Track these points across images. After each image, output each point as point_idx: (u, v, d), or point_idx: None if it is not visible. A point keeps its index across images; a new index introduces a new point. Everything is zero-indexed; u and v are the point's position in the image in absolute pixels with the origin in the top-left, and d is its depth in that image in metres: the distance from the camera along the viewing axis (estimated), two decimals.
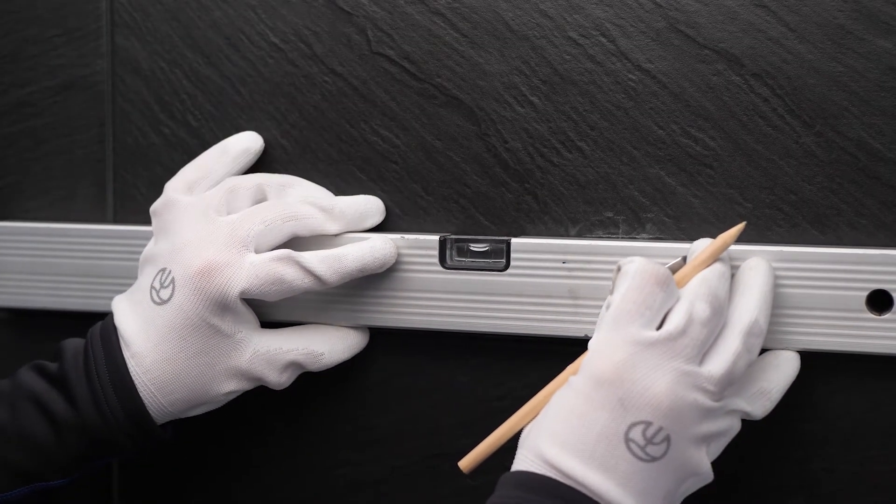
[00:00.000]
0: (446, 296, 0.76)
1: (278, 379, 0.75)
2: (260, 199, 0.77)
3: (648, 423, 0.61)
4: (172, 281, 0.72)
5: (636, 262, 0.65)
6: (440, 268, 0.76)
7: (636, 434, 0.61)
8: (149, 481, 0.87)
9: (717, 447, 0.65)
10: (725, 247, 0.67)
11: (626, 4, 0.73)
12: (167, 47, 0.83)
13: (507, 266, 0.74)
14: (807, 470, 0.72)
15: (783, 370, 0.69)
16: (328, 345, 0.77)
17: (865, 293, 0.68)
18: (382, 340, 0.79)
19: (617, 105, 0.74)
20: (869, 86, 0.69)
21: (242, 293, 0.72)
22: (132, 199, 0.85)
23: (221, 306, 0.72)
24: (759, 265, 0.68)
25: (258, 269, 0.72)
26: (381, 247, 0.75)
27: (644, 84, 0.73)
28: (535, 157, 0.76)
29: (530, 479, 0.62)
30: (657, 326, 0.64)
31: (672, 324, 0.63)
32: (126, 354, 0.73)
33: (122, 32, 0.84)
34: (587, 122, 0.74)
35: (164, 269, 0.73)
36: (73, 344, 0.75)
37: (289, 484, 0.83)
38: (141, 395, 0.72)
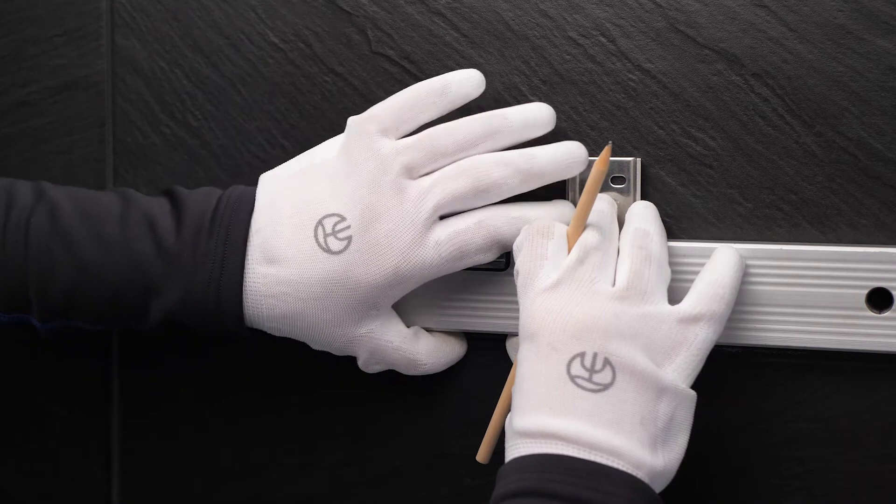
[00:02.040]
0: (446, 295, 0.76)
1: (367, 368, 0.75)
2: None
3: (582, 354, 0.62)
4: (349, 241, 0.69)
5: (522, 230, 0.68)
6: None
7: (577, 369, 0.62)
8: (149, 481, 0.87)
9: (687, 363, 0.64)
10: (601, 177, 0.67)
11: (626, 4, 0.73)
12: (167, 47, 0.83)
13: (507, 266, 0.74)
14: (807, 470, 0.72)
15: (716, 260, 0.68)
16: (433, 357, 0.75)
17: (865, 291, 0.68)
18: None
19: (617, 105, 0.74)
20: (869, 86, 0.69)
21: (421, 277, 0.70)
22: None
23: (391, 284, 0.70)
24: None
25: (441, 249, 0.70)
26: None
27: (644, 84, 0.73)
28: None
29: (513, 463, 0.62)
30: None
31: (569, 259, 0.65)
32: (261, 271, 0.70)
33: (122, 32, 0.84)
34: (587, 122, 0.74)
35: (343, 219, 0.70)
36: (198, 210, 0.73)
37: (289, 484, 0.83)
38: (248, 312, 0.71)
